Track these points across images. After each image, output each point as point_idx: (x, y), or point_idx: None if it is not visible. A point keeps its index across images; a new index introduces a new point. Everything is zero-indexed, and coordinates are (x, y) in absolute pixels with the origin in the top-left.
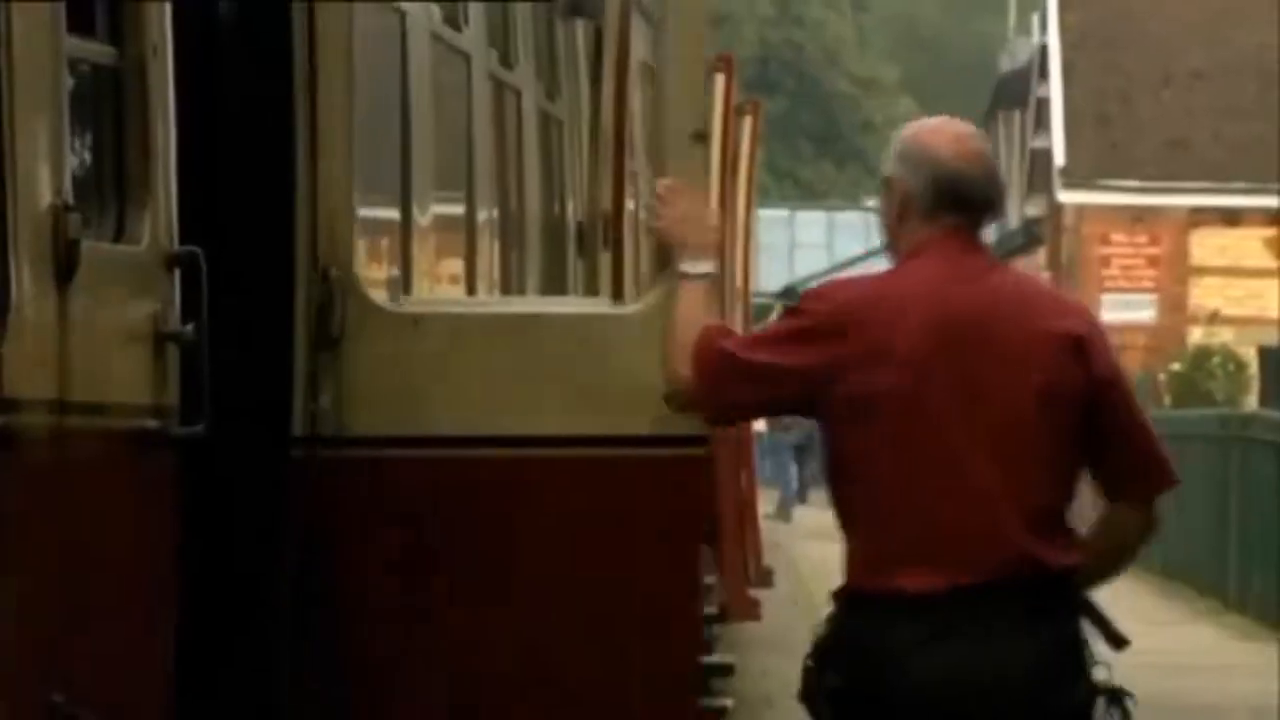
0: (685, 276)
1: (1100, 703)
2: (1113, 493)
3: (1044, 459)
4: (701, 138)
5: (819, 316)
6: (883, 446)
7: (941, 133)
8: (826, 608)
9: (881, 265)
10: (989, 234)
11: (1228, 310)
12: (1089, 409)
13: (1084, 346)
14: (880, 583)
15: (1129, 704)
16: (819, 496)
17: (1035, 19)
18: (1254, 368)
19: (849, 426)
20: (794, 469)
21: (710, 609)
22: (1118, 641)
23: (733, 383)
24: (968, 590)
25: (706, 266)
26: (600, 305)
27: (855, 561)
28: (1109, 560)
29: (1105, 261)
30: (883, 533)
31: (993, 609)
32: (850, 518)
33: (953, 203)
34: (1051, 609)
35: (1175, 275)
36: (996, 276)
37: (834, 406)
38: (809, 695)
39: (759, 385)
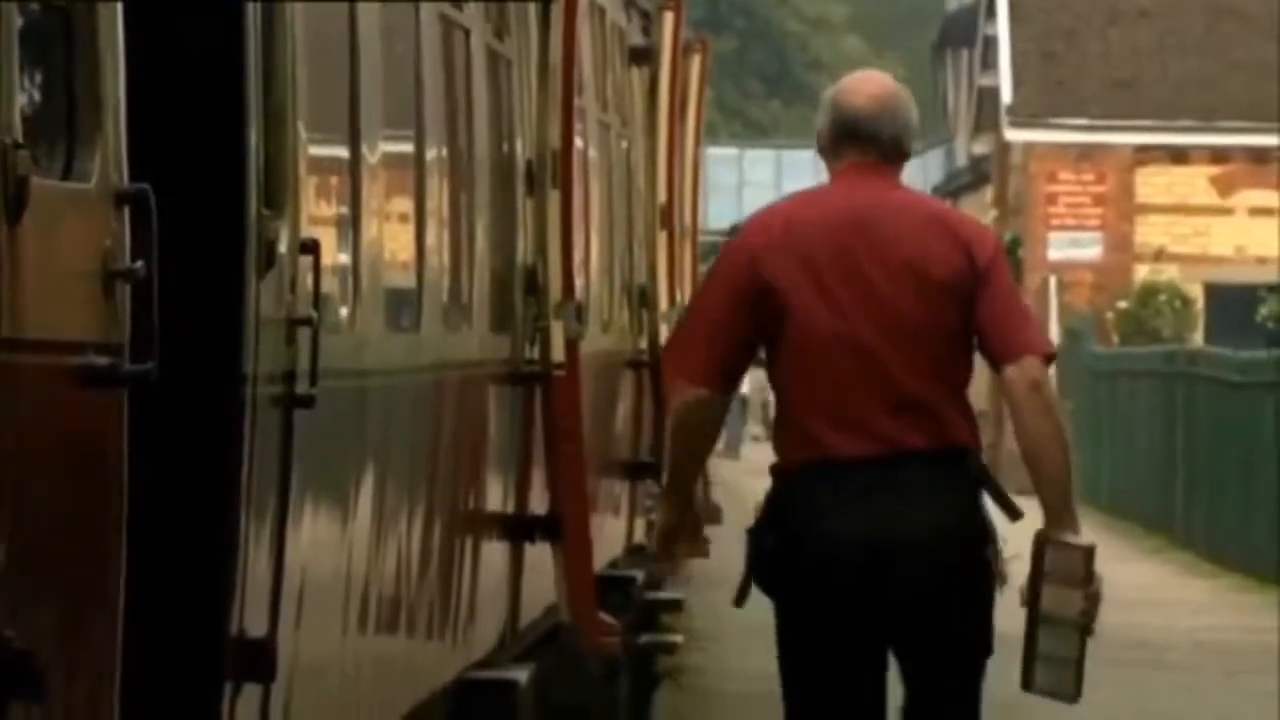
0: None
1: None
2: (994, 362)
3: (937, 341)
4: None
5: (737, 262)
6: (802, 341)
7: (854, 80)
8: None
9: None
10: (937, 171)
11: (1174, 248)
12: (971, 293)
13: (970, 247)
14: (806, 455)
15: (1004, 567)
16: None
17: None
18: (1200, 305)
19: (777, 329)
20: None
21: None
22: (1013, 513)
23: (712, 367)
24: (879, 458)
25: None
26: None
27: (784, 440)
28: (1028, 442)
29: (1052, 199)
30: (805, 413)
31: (902, 475)
32: (781, 404)
33: (849, 140)
34: (953, 478)
35: (1122, 213)
36: (898, 197)
37: (767, 319)
38: (751, 557)
39: (726, 346)
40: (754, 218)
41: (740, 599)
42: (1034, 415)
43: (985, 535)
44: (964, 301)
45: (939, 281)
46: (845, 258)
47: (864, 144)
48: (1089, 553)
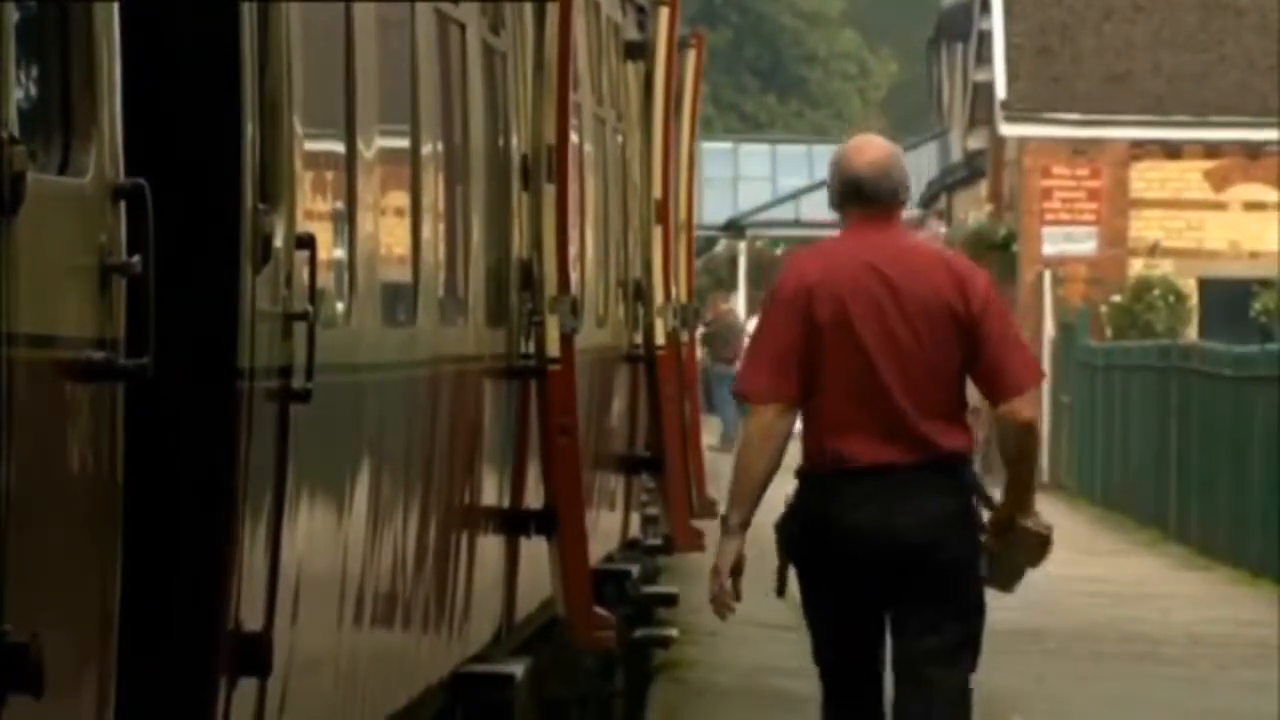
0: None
1: (982, 561)
2: (989, 398)
3: (937, 368)
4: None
5: (795, 295)
6: (832, 371)
7: (855, 146)
8: (770, 538)
9: (822, 197)
10: (931, 166)
11: (1168, 242)
12: (969, 331)
13: (964, 286)
14: (829, 465)
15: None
16: None
17: None
18: (1194, 299)
19: (814, 358)
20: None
21: (654, 540)
22: (991, 506)
23: (779, 383)
24: (889, 467)
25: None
26: None
27: (812, 450)
28: (1008, 452)
29: (1047, 194)
30: (831, 432)
31: (906, 480)
32: (810, 422)
33: (852, 198)
34: (947, 482)
35: (1116, 208)
36: (901, 243)
37: (811, 347)
38: (782, 543)
39: (788, 369)
40: (792, 264)
41: (781, 589)
42: (1019, 448)
43: (973, 523)
44: (961, 333)
45: (942, 319)
46: (869, 301)
47: (867, 201)
48: (1046, 540)
